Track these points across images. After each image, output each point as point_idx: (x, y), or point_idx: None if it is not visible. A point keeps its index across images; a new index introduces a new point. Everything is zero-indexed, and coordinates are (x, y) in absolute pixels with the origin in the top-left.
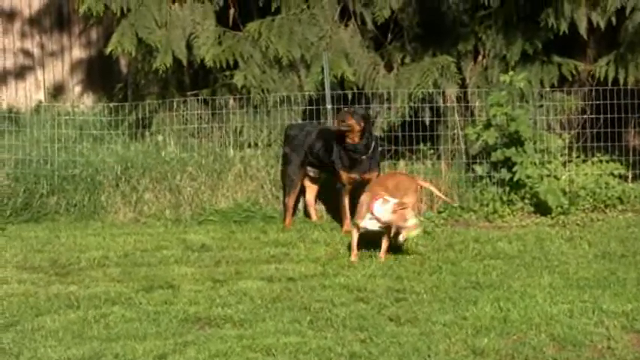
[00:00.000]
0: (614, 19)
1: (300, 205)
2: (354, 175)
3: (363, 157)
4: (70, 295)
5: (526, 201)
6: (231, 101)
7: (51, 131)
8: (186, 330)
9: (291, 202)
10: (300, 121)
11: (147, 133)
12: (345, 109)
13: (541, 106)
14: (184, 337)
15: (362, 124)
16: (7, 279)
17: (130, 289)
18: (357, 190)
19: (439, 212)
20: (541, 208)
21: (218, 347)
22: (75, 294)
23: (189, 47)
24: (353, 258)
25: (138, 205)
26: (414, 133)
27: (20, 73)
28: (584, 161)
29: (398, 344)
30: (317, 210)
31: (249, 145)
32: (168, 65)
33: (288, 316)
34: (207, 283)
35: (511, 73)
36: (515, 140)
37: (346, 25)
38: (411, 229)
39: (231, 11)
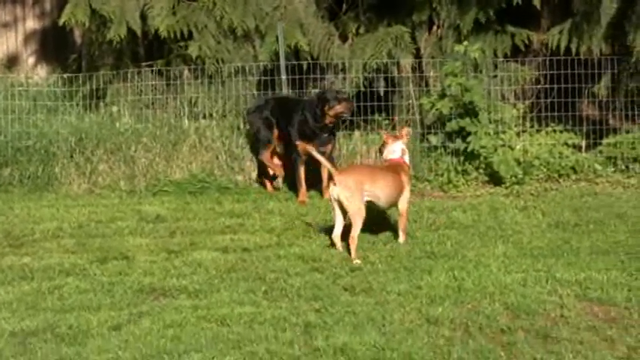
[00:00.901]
0: None
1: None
2: (312, 147)
3: (325, 133)
4: (24, 266)
5: (480, 171)
6: (185, 72)
7: (4, 102)
8: (141, 301)
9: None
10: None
11: (101, 104)
12: (343, 93)
13: (495, 76)
14: (139, 307)
15: None
16: None
17: (85, 261)
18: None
19: None
20: (495, 178)
21: (173, 318)
22: (29, 265)
23: (143, 18)
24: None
25: (92, 176)
26: (368, 104)
27: None
28: (538, 131)
29: (353, 314)
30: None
31: (204, 116)
32: (122, 36)
33: (243, 286)
34: (162, 254)
35: (465, 43)
36: (469, 110)
37: None
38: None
39: None
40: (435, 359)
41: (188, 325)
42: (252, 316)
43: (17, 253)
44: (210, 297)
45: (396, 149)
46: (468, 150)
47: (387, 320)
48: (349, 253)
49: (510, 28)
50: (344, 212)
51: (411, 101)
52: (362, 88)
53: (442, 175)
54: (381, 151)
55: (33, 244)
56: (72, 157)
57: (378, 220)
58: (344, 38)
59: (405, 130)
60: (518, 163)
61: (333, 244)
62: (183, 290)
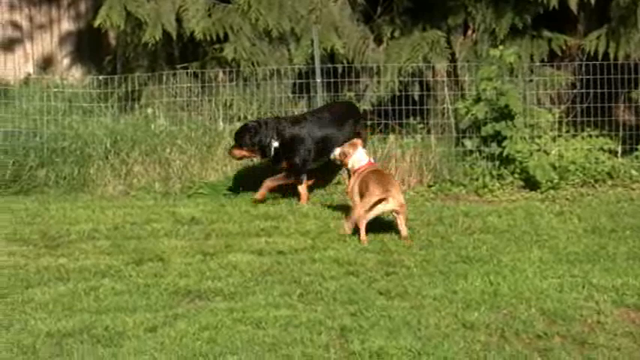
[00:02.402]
0: None
1: None
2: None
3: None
4: (60, 267)
5: (516, 175)
6: (220, 74)
7: (40, 104)
8: (177, 303)
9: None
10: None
11: (136, 106)
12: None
13: (531, 80)
14: (174, 309)
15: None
16: None
17: (120, 262)
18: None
19: (429, 186)
20: (530, 183)
21: (208, 320)
22: (65, 266)
23: (178, 20)
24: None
25: (127, 178)
26: (403, 107)
27: (9, 45)
28: (573, 136)
29: (388, 318)
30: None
31: (239, 118)
32: (157, 38)
33: (279, 289)
34: (197, 257)
35: (501, 47)
36: (504, 115)
37: None
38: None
39: None
40: None
41: (223, 327)
42: (287, 319)
43: (53, 254)
44: (245, 300)
45: (362, 155)
46: (504, 154)
47: (422, 325)
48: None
49: (547, 33)
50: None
51: (445, 105)
52: (397, 92)
53: (477, 179)
54: (344, 164)
55: (69, 245)
56: (107, 158)
57: (412, 225)
58: (379, 42)
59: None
60: (554, 167)
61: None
62: (219, 293)
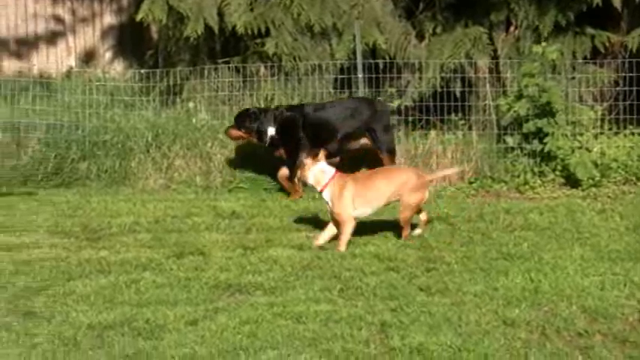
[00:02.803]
0: None
1: None
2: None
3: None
4: (101, 260)
5: (557, 173)
6: (262, 69)
7: (82, 97)
8: (217, 296)
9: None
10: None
11: (178, 100)
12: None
13: (573, 77)
14: (215, 303)
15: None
16: (39, 243)
17: (161, 255)
18: None
19: (470, 183)
20: (572, 180)
21: (249, 314)
22: (106, 259)
23: (220, 14)
24: None
25: (168, 171)
26: (445, 104)
27: (51, 38)
28: (616, 134)
29: (428, 314)
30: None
31: None
32: (199, 33)
33: (319, 284)
34: (238, 251)
35: (543, 44)
36: (546, 111)
37: None
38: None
39: None
40: None
41: (264, 321)
42: (327, 314)
43: (94, 247)
44: (285, 294)
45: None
46: (545, 151)
47: (463, 321)
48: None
49: (590, 30)
50: None
51: (487, 102)
52: (438, 88)
53: (519, 176)
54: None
55: (110, 238)
56: (148, 152)
57: (453, 221)
58: (421, 38)
59: (321, 154)
60: (596, 165)
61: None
62: (259, 287)
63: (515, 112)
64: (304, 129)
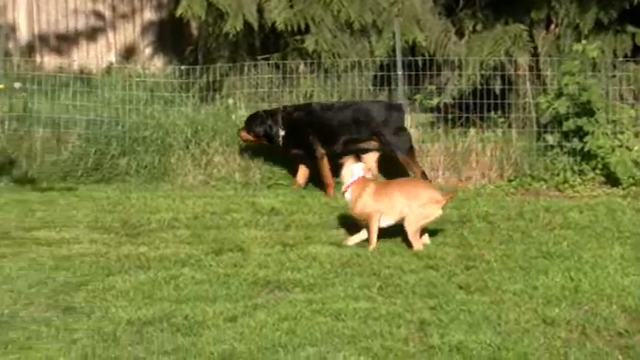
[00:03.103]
0: None
1: None
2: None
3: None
4: (141, 255)
5: (597, 171)
6: (301, 65)
7: (122, 93)
8: (256, 293)
9: None
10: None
11: (217, 97)
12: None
13: (614, 76)
14: (254, 300)
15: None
16: (79, 238)
17: (200, 252)
18: None
19: (509, 181)
20: (612, 179)
21: (288, 311)
22: (145, 255)
23: (260, 11)
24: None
25: (208, 167)
26: (485, 101)
27: (92, 34)
28: None
29: (468, 312)
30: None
31: None
32: (238, 29)
33: (358, 281)
34: (277, 247)
35: (584, 42)
36: (586, 110)
37: None
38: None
39: None
40: None
41: (303, 318)
42: (366, 311)
43: (134, 243)
44: (324, 291)
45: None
46: (585, 150)
47: (502, 320)
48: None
49: (631, 28)
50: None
51: (527, 100)
52: (478, 86)
53: (558, 174)
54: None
55: (149, 233)
56: (188, 148)
57: (493, 219)
58: (461, 35)
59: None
60: (636, 164)
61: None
62: (298, 284)
63: (554, 110)
64: (311, 128)
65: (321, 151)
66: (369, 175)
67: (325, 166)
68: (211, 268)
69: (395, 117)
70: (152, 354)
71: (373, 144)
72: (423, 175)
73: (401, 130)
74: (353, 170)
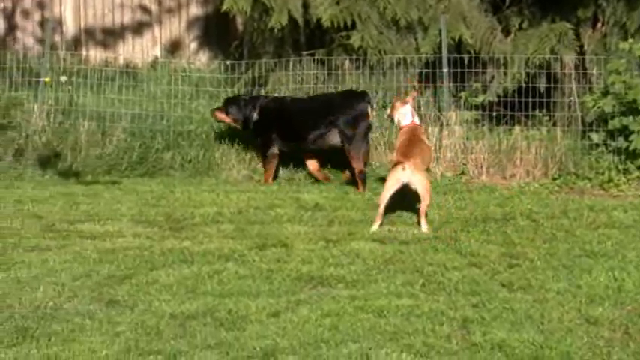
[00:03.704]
0: None
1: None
2: None
3: None
4: (184, 250)
5: None
6: (347, 62)
7: (167, 87)
8: (299, 289)
9: None
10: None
11: (262, 92)
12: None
13: None
14: (297, 295)
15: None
16: (123, 232)
17: (244, 247)
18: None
19: (554, 179)
20: None
21: (331, 307)
22: (189, 249)
23: (305, 6)
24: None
25: (252, 162)
26: (530, 99)
27: (137, 29)
28: None
29: (511, 310)
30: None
31: None
32: (283, 24)
33: (401, 278)
34: (320, 243)
35: (630, 40)
36: (632, 109)
37: None
38: None
39: None
40: None
41: (346, 314)
42: (409, 308)
43: (177, 237)
44: (367, 287)
45: (407, 112)
46: (630, 149)
47: (545, 318)
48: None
49: None
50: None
51: (572, 98)
52: (523, 84)
53: (603, 173)
54: (391, 117)
55: (193, 228)
56: (232, 143)
57: (536, 217)
58: (506, 32)
59: (413, 94)
60: None
61: None
62: (341, 280)
63: (600, 108)
64: (281, 120)
65: (274, 151)
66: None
67: (273, 165)
68: (254, 263)
69: (356, 106)
70: (195, 348)
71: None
72: (360, 175)
73: (359, 120)
74: (405, 112)
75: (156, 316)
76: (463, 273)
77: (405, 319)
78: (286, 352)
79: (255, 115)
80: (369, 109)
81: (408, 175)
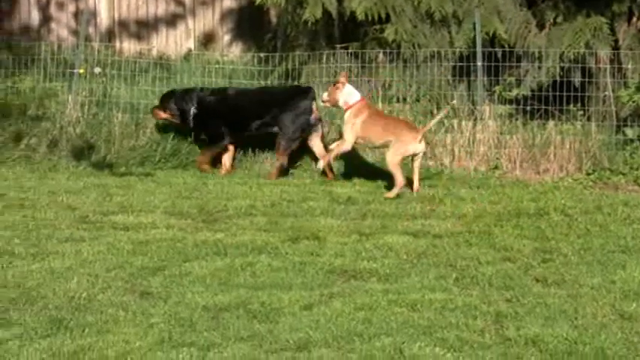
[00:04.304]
0: None
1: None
2: None
3: None
4: (218, 242)
5: None
6: (380, 55)
7: (200, 79)
8: (332, 282)
9: None
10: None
11: (296, 84)
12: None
13: None
14: (330, 288)
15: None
16: (156, 224)
17: (277, 239)
18: None
19: (588, 174)
20: None
21: (364, 300)
22: (222, 241)
23: (339, 0)
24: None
25: None
26: (564, 94)
27: (171, 20)
28: None
29: (544, 305)
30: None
31: (398, 100)
32: (317, 17)
33: (434, 272)
34: (353, 236)
35: None
36: None
37: None
38: None
39: None
40: (629, 356)
41: (379, 308)
42: (442, 302)
43: (211, 229)
44: (400, 281)
45: (352, 90)
46: None
47: (579, 314)
48: None
49: None
50: None
51: (607, 93)
52: (557, 78)
53: (637, 168)
54: (333, 101)
55: (226, 220)
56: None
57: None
58: (541, 27)
59: (343, 74)
60: None
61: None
62: (374, 273)
63: (635, 103)
64: (224, 113)
65: (226, 143)
66: None
67: (214, 154)
68: (287, 255)
69: (299, 103)
70: (228, 340)
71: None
72: (280, 170)
73: (300, 117)
74: (350, 90)
75: (189, 308)
76: (496, 267)
77: (438, 313)
78: (319, 345)
79: (193, 109)
80: (313, 106)
81: (422, 146)
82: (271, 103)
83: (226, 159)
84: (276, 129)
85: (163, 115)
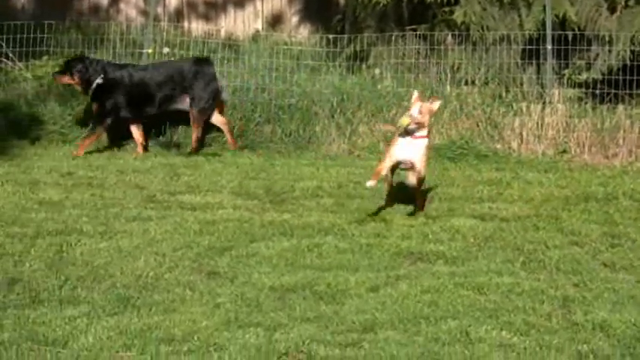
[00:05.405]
0: None
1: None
2: None
3: None
4: (284, 223)
5: None
6: (449, 37)
7: (268, 60)
8: (398, 264)
9: None
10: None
11: (364, 66)
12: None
13: None
14: (396, 270)
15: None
16: (223, 204)
17: (343, 221)
18: None
19: None
20: None
21: (430, 283)
22: (289, 222)
23: None
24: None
25: (352, 137)
26: (635, 78)
27: (239, 1)
28: None
29: (612, 290)
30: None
31: (466, 83)
32: None
33: (501, 255)
34: (420, 219)
35: None
36: None
37: None
38: None
39: None
40: None
41: (445, 291)
42: (509, 286)
43: (277, 210)
44: (467, 264)
45: None
46: None
47: None
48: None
49: None
50: None
51: None
52: (628, 62)
53: None
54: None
55: (293, 201)
56: (333, 117)
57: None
58: (612, 10)
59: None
60: None
61: None
62: (441, 256)
63: None
64: (128, 87)
65: (109, 121)
66: None
67: (98, 137)
68: (354, 237)
69: (205, 74)
70: (294, 320)
71: (186, 102)
72: (197, 143)
73: (210, 85)
74: None
75: (255, 289)
76: (564, 252)
77: (505, 296)
78: (385, 327)
79: (99, 79)
80: (217, 74)
81: None
82: (180, 75)
83: (138, 136)
84: (181, 105)
85: (69, 80)
